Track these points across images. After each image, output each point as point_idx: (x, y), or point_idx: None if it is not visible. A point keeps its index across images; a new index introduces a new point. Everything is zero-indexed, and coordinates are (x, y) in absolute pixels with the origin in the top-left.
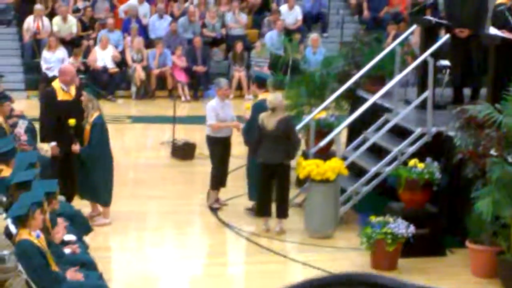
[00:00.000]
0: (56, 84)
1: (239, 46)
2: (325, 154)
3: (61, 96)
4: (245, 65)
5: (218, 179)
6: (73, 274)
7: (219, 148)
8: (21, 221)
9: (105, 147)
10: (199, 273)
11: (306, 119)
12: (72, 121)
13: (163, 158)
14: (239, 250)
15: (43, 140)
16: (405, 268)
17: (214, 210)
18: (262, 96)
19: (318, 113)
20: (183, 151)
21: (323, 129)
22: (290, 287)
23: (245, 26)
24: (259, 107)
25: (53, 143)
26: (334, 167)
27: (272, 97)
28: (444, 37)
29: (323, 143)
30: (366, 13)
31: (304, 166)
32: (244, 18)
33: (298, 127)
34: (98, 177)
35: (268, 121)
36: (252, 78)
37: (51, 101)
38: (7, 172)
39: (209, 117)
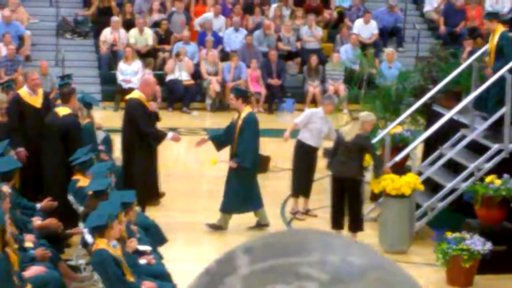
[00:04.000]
0: (138, 95)
1: (313, 60)
2: (401, 169)
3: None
4: (320, 79)
5: (298, 186)
6: (148, 285)
7: (300, 154)
8: (98, 231)
9: None
10: None
11: (382, 133)
12: None
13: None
14: None
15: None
16: (481, 285)
17: (285, 220)
18: (247, 109)
19: (394, 127)
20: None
21: (398, 144)
22: None
23: (320, 40)
24: (250, 120)
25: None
26: (409, 182)
27: (364, 112)
28: None
29: (398, 158)
30: (442, 28)
31: (379, 180)
32: (319, 32)
33: (373, 141)
34: None
35: (348, 132)
36: (234, 93)
37: (144, 112)
38: (84, 182)
39: (300, 117)
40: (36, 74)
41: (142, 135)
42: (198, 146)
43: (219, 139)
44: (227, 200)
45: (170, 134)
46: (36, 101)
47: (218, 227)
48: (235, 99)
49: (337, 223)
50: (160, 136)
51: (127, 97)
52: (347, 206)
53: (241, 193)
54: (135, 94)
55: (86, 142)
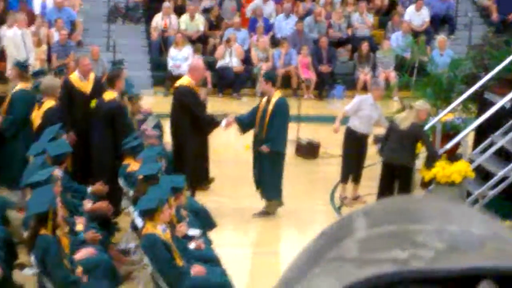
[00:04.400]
0: (188, 81)
1: (364, 47)
2: (451, 156)
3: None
4: (371, 66)
5: (347, 173)
6: (197, 269)
7: (351, 141)
8: (148, 214)
9: None
10: None
11: (432, 121)
12: None
13: (286, 156)
14: None
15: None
16: None
17: (334, 207)
18: (277, 93)
19: (445, 115)
20: (307, 150)
21: (449, 131)
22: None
23: (371, 27)
24: (282, 104)
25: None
26: (460, 169)
27: (419, 101)
28: None
29: (449, 145)
30: (494, 15)
31: (430, 168)
32: (370, 19)
33: (424, 128)
34: None
35: (402, 120)
36: (264, 76)
37: (195, 98)
38: (134, 166)
39: (349, 104)
40: (87, 60)
41: (194, 121)
42: (226, 129)
43: (244, 122)
44: (267, 188)
45: (223, 122)
46: (86, 87)
47: (265, 213)
48: (265, 83)
49: None
50: (213, 123)
51: (177, 84)
52: (396, 193)
53: (276, 178)
54: (185, 81)
55: None
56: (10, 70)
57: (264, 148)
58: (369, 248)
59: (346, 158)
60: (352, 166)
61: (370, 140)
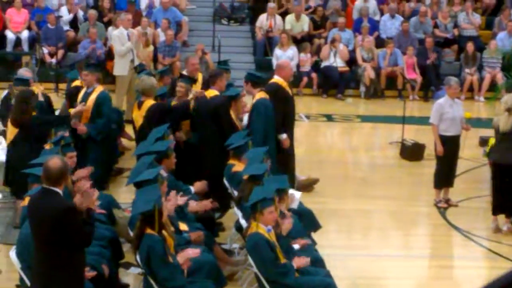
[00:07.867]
0: (276, 79)
1: (470, 47)
2: None
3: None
4: (477, 66)
5: (441, 178)
6: (298, 261)
7: (445, 146)
8: (252, 215)
9: None
10: (423, 274)
11: None
12: None
13: (391, 158)
14: (467, 254)
15: (278, 132)
16: None
17: (439, 209)
18: (258, 95)
19: None
20: (412, 152)
21: None
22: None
23: (478, 27)
24: (259, 105)
25: (285, 135)
26: None
27: (508, 97)
28: None
29: None
30: None
31: None
32: (477, 18)
33: None
34: None
35: (504, 122)
36: (245, 77)
37: (281, 96)
38: (239, 167)
39: (432, 116)
40: (196, 59)
41: (285, 118)
42: None
43: None
44: None
45: (284, 135)
46: (195, 87)
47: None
48: (245, 84)
49: (498, 209)
50: (279, 130)
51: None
52: (508, 192)
53: None
54: (273, 79)
55: None
56: (85, 75)
57: None
58: None
59: (441, 163)
60: (448, 170)
61: (475, 141)
